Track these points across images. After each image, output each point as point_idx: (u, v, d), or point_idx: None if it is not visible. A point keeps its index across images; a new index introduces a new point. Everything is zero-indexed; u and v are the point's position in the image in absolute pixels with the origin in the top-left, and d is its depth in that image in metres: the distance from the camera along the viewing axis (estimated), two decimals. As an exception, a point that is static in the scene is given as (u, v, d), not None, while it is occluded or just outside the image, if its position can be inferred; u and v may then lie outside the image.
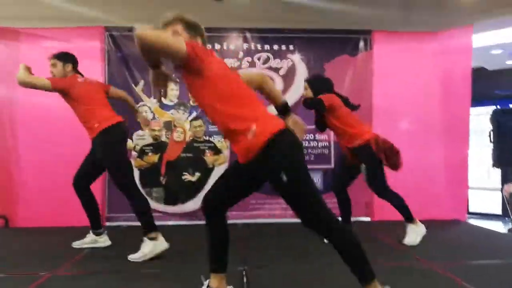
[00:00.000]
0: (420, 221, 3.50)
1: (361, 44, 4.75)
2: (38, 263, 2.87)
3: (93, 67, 4.26)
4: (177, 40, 1.78)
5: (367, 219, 4.70)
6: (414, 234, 3.40)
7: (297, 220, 1.86)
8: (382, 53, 4.74)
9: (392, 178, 4.58)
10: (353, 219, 4.48)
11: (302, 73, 4.68)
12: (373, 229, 4.16)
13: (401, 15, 4.61)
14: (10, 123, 4.42)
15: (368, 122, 4.63)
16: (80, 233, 3.45)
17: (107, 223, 4.45)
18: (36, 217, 4.33)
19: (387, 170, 3.45)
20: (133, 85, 4.53)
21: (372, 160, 3.32)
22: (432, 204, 4.67)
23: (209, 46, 4.34)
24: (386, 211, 4.62)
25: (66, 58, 3.24)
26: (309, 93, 3.41)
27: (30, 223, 4.31)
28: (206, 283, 2.06)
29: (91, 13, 4.31)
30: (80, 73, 3.31)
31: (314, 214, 1.78)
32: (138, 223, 3.11)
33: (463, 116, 4.67)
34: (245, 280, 2.48)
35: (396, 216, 4.54)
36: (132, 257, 2.92)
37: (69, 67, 3.23)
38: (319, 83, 3.46)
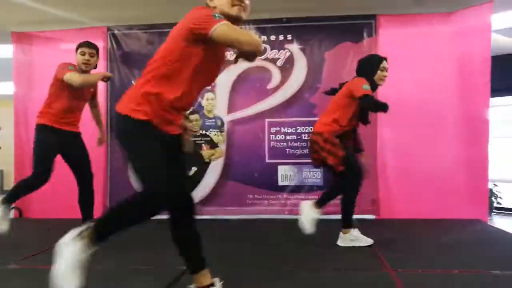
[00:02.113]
0: (438, 220, 3.12)
1: (365, 29, 4.44)
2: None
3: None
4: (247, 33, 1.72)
5: (372, 217, 4.37)
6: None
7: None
8: (389, 39, 4.40)
9: (404, 177, 4.28)
10: (357, 216, 4.23)
11: (301, 63, 4.50)
12: (378, 227, 3.82)
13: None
14: (26, 119, 4.76)
15: (373, 117, 4.33)
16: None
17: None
18: (48, 208, 4.60)
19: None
20: (132, 81, 4.66)
21: None
22: (450, 203, 4.23)
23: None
24: (393, 209, 4.31)
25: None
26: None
27: (43, 215, 4.60)
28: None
29: (94, 14, 4.54)
30: None
31: None
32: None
33: (482, 106, 4.17)
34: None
35: (403, 214, 4.23)
36: None
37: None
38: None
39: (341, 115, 3.10)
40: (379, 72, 3.14)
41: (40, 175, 3.09)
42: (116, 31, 4.68)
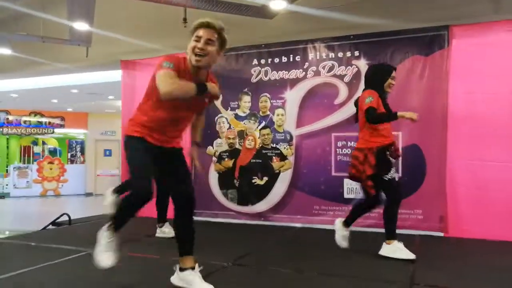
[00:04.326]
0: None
1: (436, 41, 4.30)
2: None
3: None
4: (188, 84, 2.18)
5: (440, 234, 4.23)
6: None
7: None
8: (462, 50, 4.20)
9: (477, 194, 4.06)
10: (424, 233, 4.18)
11: (368, 78, 4.55)
12: (439, 244, 3.77)
13: (488, 3, 4.03)
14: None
15: (442, 128, 4.21)
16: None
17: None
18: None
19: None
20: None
21: None
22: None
23: (276, 60, 4.77)
24: (463, 227, 4.13)
25: None
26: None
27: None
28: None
29: (175, 43, 5.20)
30: None
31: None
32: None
33: None
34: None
35: (474, 233, 4.02)
36: None
37: None
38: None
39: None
40: (389, 80, 3.27)
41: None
42: (200, 55, 5.28)
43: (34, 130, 13.49)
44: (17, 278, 2.67)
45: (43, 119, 13.66)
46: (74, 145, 14.82)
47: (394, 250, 3.15)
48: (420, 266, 2.99)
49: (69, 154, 14.80)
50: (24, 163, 14.46)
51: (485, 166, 4.09)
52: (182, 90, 2.13)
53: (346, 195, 4.63)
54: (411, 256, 3.09)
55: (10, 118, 13.40)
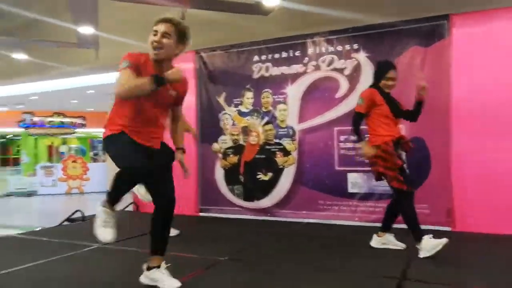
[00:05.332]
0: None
1: (436, 32, 4.22)
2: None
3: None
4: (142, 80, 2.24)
5: (448, 229, 4.17)
6: None
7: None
8: (464, 39, 4.11)
9: (485, 187, 3.98)
10: (431, 227, 4.13)
11: (368, 71, 4.50)
12: (453, 241, 3.72)
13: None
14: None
15: (446, 119, 4.13)
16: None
17: (201, 214, 5.37)
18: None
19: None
20: (216, 96, 5.30)
21: None
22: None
23: (276, 56, 4.79)
24: (470, 221, 4.06)
25: None
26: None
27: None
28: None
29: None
30: None
31: None
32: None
33: None
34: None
35: (483, 227, 3.94)
36: None
37: None
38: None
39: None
40: (383, 81, 3.25)
41: None
42: (202, 53, 5.37)
43: (57, 130, 13.97)
44: (24, 271, 2.83)
45: (66, 119, 14.11)
46: (96, 144, 15.28)
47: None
48: (417, 260, 2.98)
49: (91, 153, 15.26)
50: (51, 162, 15.01)
51: (492, 158, 3.99)
52: (135, 87, 2.19)
53: (350, 190, 4.63)
54: (401, 246, 3.28)
55: (35, 119, 13.92)
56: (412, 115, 3.39)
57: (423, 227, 4.19)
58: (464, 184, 4.13)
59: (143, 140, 2.37)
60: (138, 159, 2.28)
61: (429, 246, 3.03)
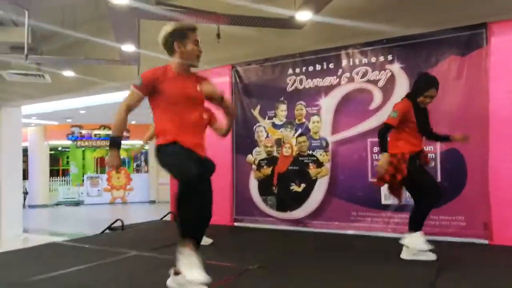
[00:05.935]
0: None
1: (473, 40, 4.13)
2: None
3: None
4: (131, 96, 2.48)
5: (485, 241, 4.02)
6: None
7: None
8: (503, 47, 3.99)
9: None
10: (467, 240, 4.02)
11: (402, 82, 4.47)
12: (489, 254, 3.62)
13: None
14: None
15: (483, 129, 4.01)
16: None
17: (235, 224, 5.46)
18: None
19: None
20: (251, 109, 5.41)
21: None
22: None
23: (310, 68, 4.84)
24: (509, 234, 3.91)
25: None
26: None
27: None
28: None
29: (222, 55, 5.47)
30: None
31: None
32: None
33: None
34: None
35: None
36: None
37: None
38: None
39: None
40: (422, 97, 3.25)
41: None
42: (238, 67, 5.51)
43: (103, 143, 14.61)
44: (63, 277, 3.02)
45: (111, 132, 14.74)
46: (139, 156, 15.85)
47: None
48: (448, 274, 2.90)
49: (135, 164, 15.83)
50: (97, 173, 15.72)
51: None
52: (117, 120, 2.55)
53: (383, 201, 4.56)
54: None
55: (83, 132, 14.66)
56: (433, 137, 3.49)
57: (459, 239, 4.10)
58: (502, 195, 3.98)
59: (195, 146, 2.42)
60: (191, 163, 2.26)
61: (416, 248, 3.16)
